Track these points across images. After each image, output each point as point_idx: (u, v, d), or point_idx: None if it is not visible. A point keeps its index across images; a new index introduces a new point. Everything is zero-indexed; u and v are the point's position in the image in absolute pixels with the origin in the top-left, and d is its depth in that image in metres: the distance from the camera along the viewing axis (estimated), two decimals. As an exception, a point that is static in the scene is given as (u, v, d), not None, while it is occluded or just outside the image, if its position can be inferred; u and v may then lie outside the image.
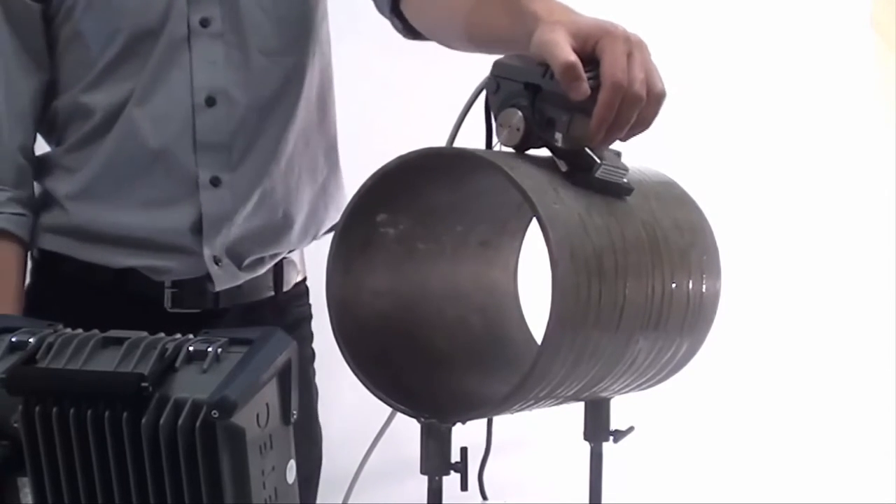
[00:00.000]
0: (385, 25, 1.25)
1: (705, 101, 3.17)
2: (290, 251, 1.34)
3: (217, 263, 1.24)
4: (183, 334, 0.75)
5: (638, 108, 0.86)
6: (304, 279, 1.39)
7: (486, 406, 0.89)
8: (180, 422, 0.70)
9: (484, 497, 0.99)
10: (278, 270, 1.32)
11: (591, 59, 0.87)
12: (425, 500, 0.92)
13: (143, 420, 0.70)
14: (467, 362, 1.02)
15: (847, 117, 3.47)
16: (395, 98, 2.56)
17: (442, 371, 1.00)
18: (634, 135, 0.89)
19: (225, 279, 1.25)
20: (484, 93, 0.94)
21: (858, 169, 3.49)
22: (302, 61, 1.26)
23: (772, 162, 3.36)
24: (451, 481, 0.91)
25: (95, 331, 0.77)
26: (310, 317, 1.40)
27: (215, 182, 1.22)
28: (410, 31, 1.22)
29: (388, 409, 0.92)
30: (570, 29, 0.88)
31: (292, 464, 0.75)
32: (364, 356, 0.93)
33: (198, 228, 1.23)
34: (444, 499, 0.92)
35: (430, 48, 1.24)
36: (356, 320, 0.95)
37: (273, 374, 0.72)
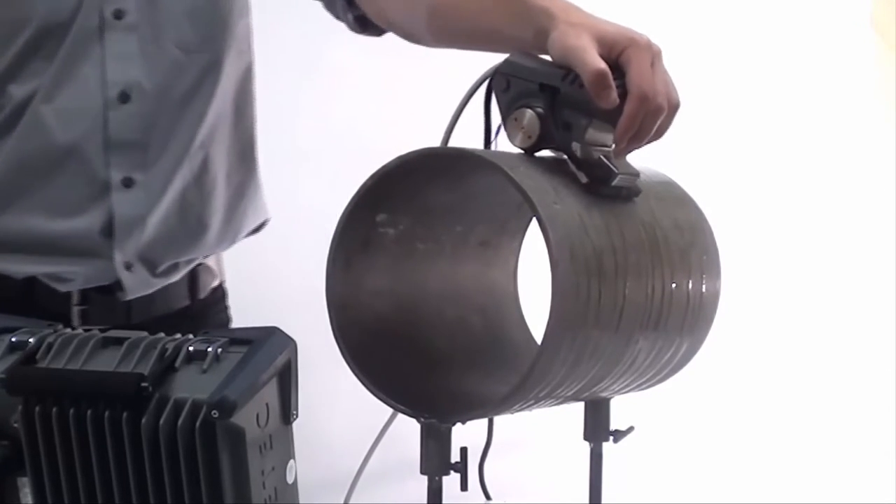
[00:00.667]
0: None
1: (705, 100, 3.17)
2: (205, 256, 1.29)
3: (128, 269, 1.19)
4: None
5: (659, 119, 0.87)
6: (222, 283, 1.35)
7: (485, 406, 0.89)
8: (180, 422, 0.70)
9: (486, 495, 0.99)
10: (193, 277, 1.27)
11: (614, 66, 0.87)
12: (425, 500, 0.92)
13: (143, 420, 0.70)
14: (467, 362, 1.02)
15: (847, 117, 3.47)
16: (393, 98, 2.56)
17: (442, 371, 1.00)
18: (647, 144, 0.90)
19: (137, 286, 1.20)
20: (481, 90, 0.94)
21: (858, 168, 3.49)
22: (218, 58, 1.22)
23: (772, 162, 3.36)
24: (451, 481, 0.91)
25: (95, 331, 0.77)
26: (229, 321, 1.36)
27: (127, 183, 1.17)
28: (362, 25, 1.18)
29: (389, 410, 0.92)
30: (596, 35, 0.87)
31: (292, 464, 0.76)
32: (364, 356, 0.93)
33: (108, 231, 1.17)
34: (444, 499, 0.92)
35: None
36: (356, 320, 0.95)
37: (273, 374, 0.73)
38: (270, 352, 0.73)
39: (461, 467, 0.91)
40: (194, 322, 1.26)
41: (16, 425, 0.73)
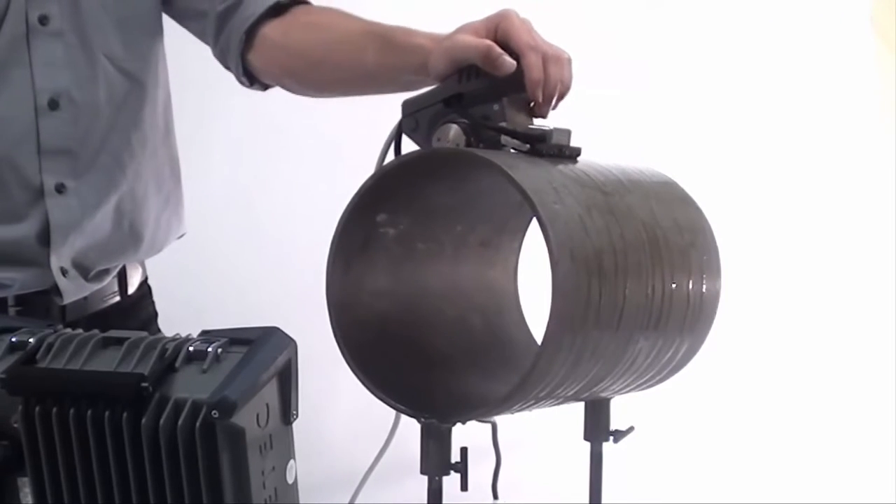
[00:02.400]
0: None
1: (706, 101, 3.17)
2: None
3: (64, 275, 1.19)
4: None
5: (558, 65, 0.95)
6: (146, 278, 1.36)
7: (486, 406, 0.89)
8: (180, 422, 0.70)
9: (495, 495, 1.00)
10: (122, 274, 1.29)
11: (497, 44, 0.95)
12: (425, 500, 0.92)
13: (143, 420, 0.70)
14: (467, 362, 1.02)
15: (847, 117, 3.47)
16: (394, 98, 2.56)
17: (442, 371, 1.00)
18: (562, 99, 0.96)
19: (73, 291, 1.21)
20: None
21: (858, 168, 3.50)
22: (147, 68, 1.23)
23: (772, 161, 3.36)
24: (451, 481, 0.91)
25: (95, 331, 0.77)
26: (156, 315, 1.38)
27: (60, 189, 1.18)
28: (250, 79, 1.23)
29: (389, 410, 0.92)
30: (468, 30, 0.97)
31: (292, 464, 0.76)
32: (364, 356, 0.93)
33: (44, 238, 1.18)
34: (444, 499, 0.92)
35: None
36: (356, 320, 0.95)
37: (273, 374, 0.73)
38: (270, 352, 0.73)
39: (461, 467, 0.91)
40: (124, 316, 1.28)
41: (16, 425, 0.73)
